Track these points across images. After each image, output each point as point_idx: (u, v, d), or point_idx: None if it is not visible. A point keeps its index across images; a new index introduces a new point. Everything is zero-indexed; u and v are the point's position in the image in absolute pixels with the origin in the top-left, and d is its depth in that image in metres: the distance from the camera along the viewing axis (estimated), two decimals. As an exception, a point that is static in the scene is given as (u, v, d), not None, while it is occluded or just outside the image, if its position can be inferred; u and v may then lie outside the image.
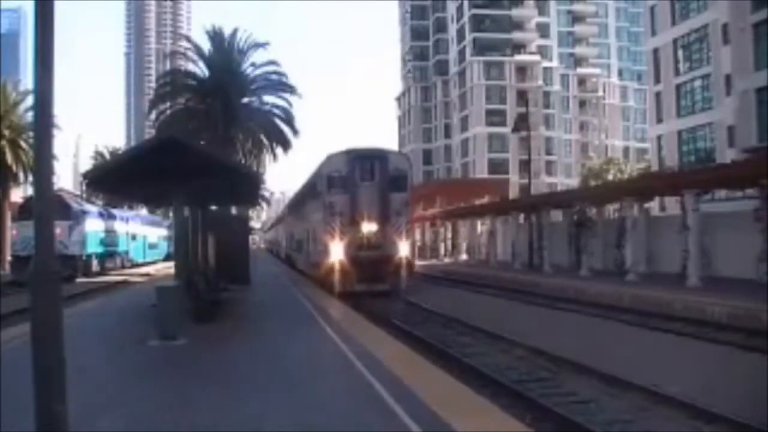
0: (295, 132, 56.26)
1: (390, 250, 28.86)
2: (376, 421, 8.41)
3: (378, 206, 28.99)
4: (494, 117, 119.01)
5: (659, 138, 69.20)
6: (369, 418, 8.60)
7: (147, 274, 50.69)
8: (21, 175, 58.36)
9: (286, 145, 56.36)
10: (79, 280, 42.52)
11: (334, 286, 28.02)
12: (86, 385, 9.79)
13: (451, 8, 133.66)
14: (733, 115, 52.33)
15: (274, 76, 55.86)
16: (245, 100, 55.13)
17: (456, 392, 10.14)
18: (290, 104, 55.97)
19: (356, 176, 29.21)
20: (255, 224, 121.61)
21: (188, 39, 61.88)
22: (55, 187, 8.10)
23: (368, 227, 28.72)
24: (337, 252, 28.34)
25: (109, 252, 54.58)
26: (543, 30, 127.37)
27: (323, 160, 30.91)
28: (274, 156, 57.34)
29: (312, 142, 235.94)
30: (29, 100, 54.11)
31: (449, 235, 67.13)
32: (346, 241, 28.48)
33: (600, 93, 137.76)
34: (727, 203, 36.20)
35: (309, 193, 36.13)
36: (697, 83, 63.02)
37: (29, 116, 53.42)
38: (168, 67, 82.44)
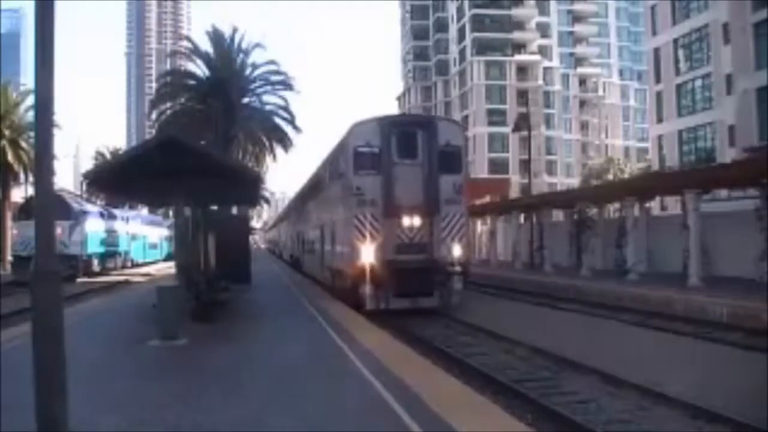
0: (297, 129, 56.30)
1: (439, 252, 22.63)
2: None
3: (423, 193, 22.68)
4: (495, 117, 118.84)
5: (660, 137, 69.16)
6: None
7: (147, 274, 50.69)
8: (22, 175, 58.46)
9: (286, 144, 56.42)
10: (80, 279, 42.55)
11: (362, 301, 21.79)
12: (87, 384, 9.79)
13: (452, 8, 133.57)
14: (734, 115, 52.30)
15: (274, 76, 55.86)
16: (246, 99, 55.12)
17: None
18: (288, 103, 55.98)
19: (393, 152, 22.71)
20: (255, 224, 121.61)
21: (189, 39, 61.75)
22: (56, 187, 8.11)
23: (410, 221, 22.51)
24: (367, 255, 21.85)
25: (110, 252, 54.61)
26: (543, 30, 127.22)
27: (348, 130, 24.02)
28: (274, 156, 57.35)
29: (313, 143, 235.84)
30: (30, 100, 54.22)
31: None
32: (379, 240, 22.11)
33: (600, 93, 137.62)
34: (727, 203, 36.18)
35: (327, 176, 29.32)
36: (698, 83, 62.99)
37: (30, 116, 53.55)
38: (169, 67, 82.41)
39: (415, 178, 22.72)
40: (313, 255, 34.76)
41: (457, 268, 22.66)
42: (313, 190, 35.94)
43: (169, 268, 40.96)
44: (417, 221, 22.51)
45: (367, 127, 23.27)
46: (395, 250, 22.29)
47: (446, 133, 23.54)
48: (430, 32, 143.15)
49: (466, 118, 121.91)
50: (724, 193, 38.18)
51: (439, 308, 22.89)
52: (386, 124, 23.13)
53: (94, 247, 49.54)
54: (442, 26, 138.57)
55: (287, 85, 55.83)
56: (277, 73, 55.90)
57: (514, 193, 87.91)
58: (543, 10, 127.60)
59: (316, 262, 32.76)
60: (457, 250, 22.67)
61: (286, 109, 55.88)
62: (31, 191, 56.34)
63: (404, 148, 22.83)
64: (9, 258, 49.06)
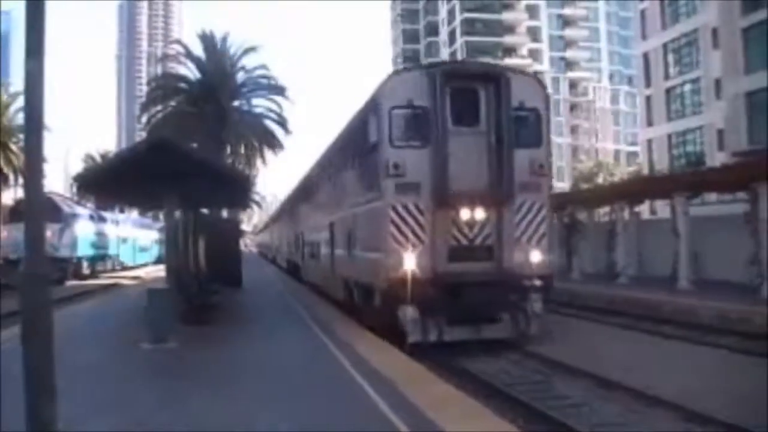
0: (287, 132, 56.38)
1: (511, 258, 16.30)
2: None
3: (488, 174, 16.30)
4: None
5: (649, 141, 69.39)
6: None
7: (138, 277, 50.58)
8: (11, 178, 58.24)
9: (277, 147, 56.48)
10: (70, 282, 42.40)
11: (403, 330, 15.53)
12: (77, 386, 9.79)
13: (443, 12, 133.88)
14: (723, 119, 52.58)
15: (264, 79, 55.92)
16: (237, 102, 55.18)
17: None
18: (280, 107, 56.03)
19: (447, 115, 16.12)
20: (246, 227, 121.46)
21: (180, 42, 61.75)
22: (46, 189, 8.13)
23: (470, 214, 16.05)
24: (408, 263, 15.39)
25: (100, 255, 54.49)
26: (534, 34, 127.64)
27: (382, 83, 17.23)
28: (263, 159, 57.40)
29: (304, 147, 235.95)
30: (19, 102, 54.03)
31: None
32: (427, 241, 15.80)
33: (591, 96, 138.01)
34: (716, 206, 36.35)
35: (345, 154, 21.99)
36: (687, 87, 63.29)
37: (19, 118, 53.37)
38: (159, 70, 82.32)
39: (477, 153, 16.36)
40: (318, 261, 28.12)
41: (537, 282, 16.31)
42: (320, 177, 28.55)
43: (160, 270, 40.88)
44: (480, 214, 16.11)
45: (410, 78, 16.85)
46: (449, 257, 15.97)
47: (521, 90, 16.93)
48: (421, 36, 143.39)
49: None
50: (713, 196, 38.35)
51: (512, 340, 16.68)
52: (437, 74, 16.35)
53: (84, 250, 49.39)
54: (432, 30, 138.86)
55: (278, 89, 55.90)
56: (268, 76, 55.99)
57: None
58: (533, 14, 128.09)
59: (324, 271, 26.01)
60: (536, 256, 16.44)
61: (276, 112, 55.98)
62: (20, 194, 56.18)
63: (462, 110, 16.52)
64: (-1, 261, 48.83)
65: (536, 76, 21.78)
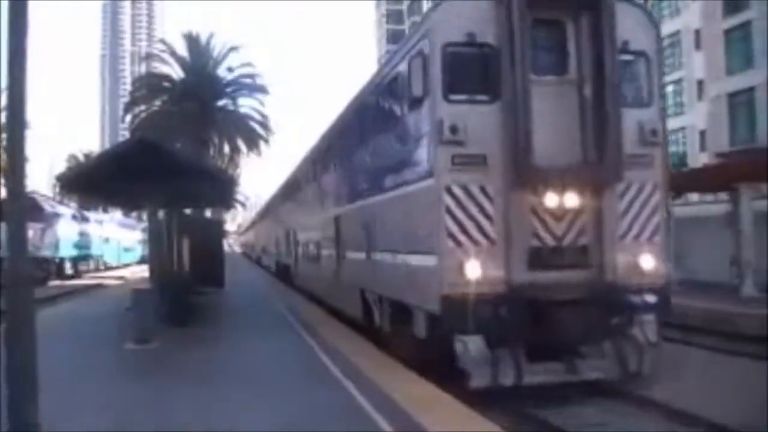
0: (271, 132, 56.50)
1: (615, 265, 11.66)
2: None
3: (583, 143, 11.65)
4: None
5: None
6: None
7: (121, 278, 50.36)
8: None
9: (261, 147, 56.57)
10: (53, 282, 42.17)
11: (462, 369, 10.96)
12: (60, 387, 9.78)
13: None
14: (706, 120, 52.97)
15: (248, 79, 55.96)
16: (220, 102, 55.19)
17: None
18: (264, 105, 56.18)
19: (524, 58, 11.17)
20: (230, 227, 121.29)
21: (164, 42, 61.66)
22: (28, 189, 8.10)
23: (558, 200, 11.44)
24: (472, 271, 10.96)
25: (83, 255, 54.20)
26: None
27: (431, 11, 12.87)
28: (248, 158, 57.52)
29: (288, 147, 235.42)
30: (1, 101, 53.73)
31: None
32: (498, 240, 11.26)
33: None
34: (699, 207, 36.55)
35: (365, 118, 16.59)
36: (670, 88, 63.69)
37: (2, 118, 53.03)
38: (143, 69, 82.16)
39: (566, 113, 11.68)
40: (316, 265, 23.87)
41: (650, 298, 11.63)
42: (322, 160, 23.55)
43: (144, 271, 40.75)
44: (572, 201, 11.43)
45: (472, 6, 11.71)
46: (530, 262, 11.34)
47: (626, 26, 11.97)
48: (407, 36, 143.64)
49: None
50: (696, 197, 38.60)
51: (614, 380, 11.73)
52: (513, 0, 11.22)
53: (66, 250, 49.11)
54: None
55: (262, 88, 55.96)
56: (252, 76, 56.04)
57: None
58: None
59: (326, 278, 21.82)
60: (647, 261, 11.72)
61: (260, 111, 56.06)
62: (3, 193, 55.83)
63: (544, 51, 11.87)
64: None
65: (645, 7, 15.05)
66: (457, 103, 11.43)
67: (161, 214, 22.24)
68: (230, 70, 55.31)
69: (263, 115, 56.02)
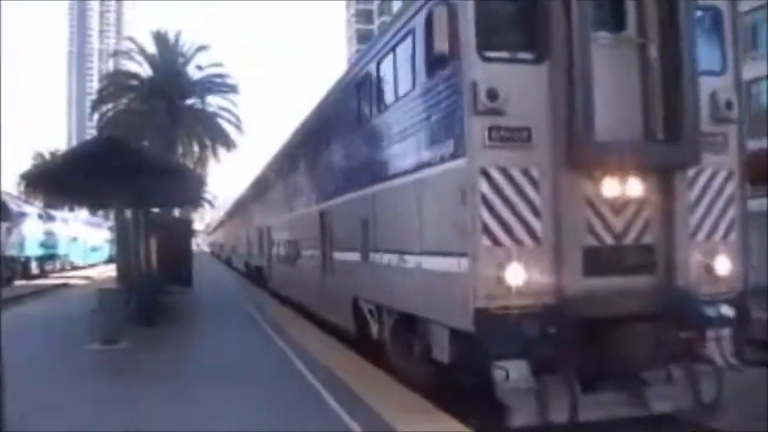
0: (240, 131, 56.49)
1: (687, 269, 9.36)
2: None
3: (645, 117, 9.29)
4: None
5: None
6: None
7: (88, 277, 49.94)
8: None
9: (230, 146, 56.46)
10: (18, 282, 41.73)
11: (501, 402, 8.53)
12: (25, 388, 9.76)
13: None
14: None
15: (217, 78, 55.85)
16: (189, 101, 54.99)
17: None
18: (235, 104, 56.10)
19: (576, 9, 8.71)
20: (198, 226, 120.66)
21: (132, 40, 61.28)
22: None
23: (619, 188, 9.08)
24: (513, 277, 8.52)
25: (49, 254, 53.66)
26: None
27: None
28: (216, 158, 57.40)
29: (257, 147, 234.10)
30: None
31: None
32: (546, 240, 8.84)
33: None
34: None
35: (366, 86, 13.49)
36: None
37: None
38: (111, 67, 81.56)
39: (623, 77, 9.37)
40: (294, 267, 22.20)
41: (726, 309, 9.37)
42: (305, 147, 20.78)
43: (111, 270, 40.50)
44: (635, 188, 9.20)
45: None
46: (585, 266, 9.02)
47: None
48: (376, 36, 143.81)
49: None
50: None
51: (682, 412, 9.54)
52: None
53: (32, 250, 48.57)
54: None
55: (231, 87, 55.88)
56: (221, 75, 55.95)
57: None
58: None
59: (308, 281, 19.81)
60: (723, 265, 9.62)
61: (229, 110, 55.96)
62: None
63: (595, 2, 9.29)
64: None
65: None
66: (496, 62, 8.94)
67: (128, 213, 22.15)
68: (199, 68, 55.14)
69: (234, 114, 55.93)
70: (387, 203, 12.01)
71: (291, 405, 9.56)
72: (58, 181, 18.68)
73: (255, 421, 8.69)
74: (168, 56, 54.34)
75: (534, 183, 8.80)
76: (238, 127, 56.26)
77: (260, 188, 33.67)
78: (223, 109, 56.23)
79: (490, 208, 8.66)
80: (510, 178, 8.74)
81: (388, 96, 12.05)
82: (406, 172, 10.81)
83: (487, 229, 8.62)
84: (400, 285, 11.19)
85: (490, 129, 8.68)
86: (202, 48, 55.36)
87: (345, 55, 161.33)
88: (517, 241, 8.69)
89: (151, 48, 55.10)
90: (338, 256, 15.81)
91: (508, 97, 8.66)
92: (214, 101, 56.49)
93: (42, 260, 51.60)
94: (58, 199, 48.03)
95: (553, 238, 8.80)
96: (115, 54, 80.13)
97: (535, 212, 8.80)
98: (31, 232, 48.23)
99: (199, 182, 22.83)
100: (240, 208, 48.85)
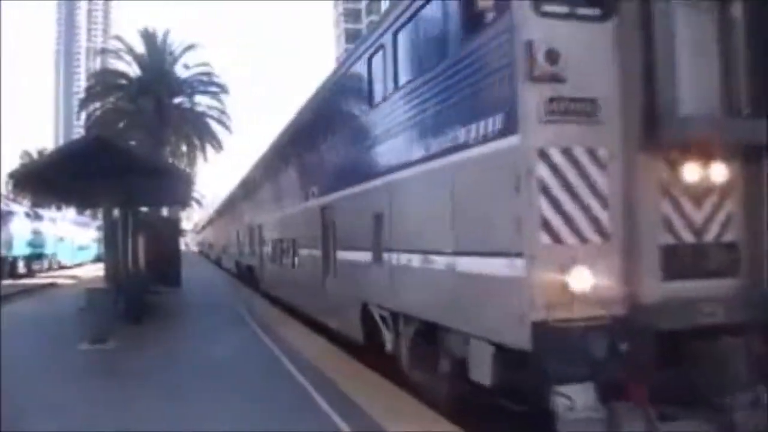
0: (228, 130, 56.48)
1: None
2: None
3: (727, 91, 7.47)
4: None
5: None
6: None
7: (75, 277, 49.76)
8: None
9: (218, 145, 56.41)
10: (5, 282, 41.54)
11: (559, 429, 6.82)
12: (13, 388, 9.73)
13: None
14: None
15: (205, 77, 55.80)
16: (177, 100, 54.89)
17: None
18: (223, 104, 56.04)
19: None
20: (186, 226, 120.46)
21: (120, 38, 61.09)
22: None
23: (701, 174, 7.37)
24: (578, 281, 6.83)
25: (37, 253, 53.47)
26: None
27: None
28: (204, 157, 57.33)
29: (245, 146, 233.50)
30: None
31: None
32: (615, 236, 7.16)
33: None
34: None
35: (379, 57, 11.60)
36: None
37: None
38: (99, 65, 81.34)
39: (700, 43, 7.56)
40: (290, 268, 20.60)
41: None
42: (305, 137, 18.63)
43: (99, 269, 40.38)
44: (718, 173, 7.52)
45: None
46: (664, 268, 7.35)
47: None
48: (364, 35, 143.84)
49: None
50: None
51: None
52: None
53: (19, 249, 48.39)
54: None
55: (219, 87, 55.83)
56: (210, 74, 55.89)
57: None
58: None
59: (305, 284, 18.25)
60: None
61: (218, 109, 55.91)
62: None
63: None
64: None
65: None
66: (554, 18, 7.19)
67: (116, 212, 22.07)
68: (186, 67, 55.04)
69: (223, 113, 55.87)
70: (408, 194, 10.27)
71: (284, 405, 9.56)
72: (45, 180, 18.61)
73: (248, 421, 8.69)
74: (156, 55, 54.25)
75: (602, 166, 7.20)
76: (226, 126, 56.25)
77: (253, 183, 31.89)
78: (212, 108, 56.22)
79: (551, 198, 7.03)
80: (574, 161, 7.13)
81: (412, 67, 10.30)
82: (434, 156, 9.13)
83: (546, 224, 7.01)
84: (424, 290, 9.69)
85: (550, 100, 7.01)
86: (190, 47, 55.34)
87: (333, 54, 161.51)
88: (583, 238, 7.11)
89: (139, 47, 55.03)
90: (343, 255, 14.15)
91: (569, 60, 7.03)
92: (202, 100, 56.55)
93: (29, 259, 51.42)
94: (46, 199, 47.86)
95: (624, 235, 7.23)
96: (103, 52, 79.66)
97: (604, 203, 7.19)
98: (19, 231, 48.05)
99: (188, 182, 22.75)
100: (231, 206, 46.63)
